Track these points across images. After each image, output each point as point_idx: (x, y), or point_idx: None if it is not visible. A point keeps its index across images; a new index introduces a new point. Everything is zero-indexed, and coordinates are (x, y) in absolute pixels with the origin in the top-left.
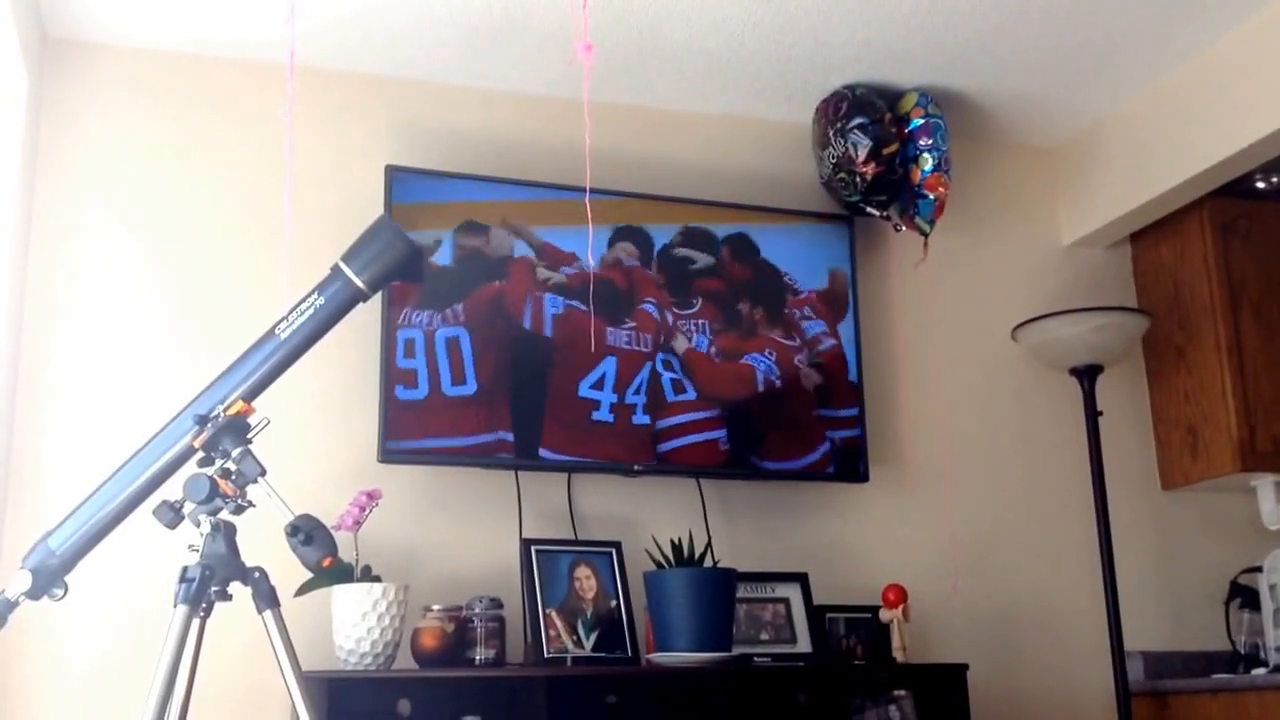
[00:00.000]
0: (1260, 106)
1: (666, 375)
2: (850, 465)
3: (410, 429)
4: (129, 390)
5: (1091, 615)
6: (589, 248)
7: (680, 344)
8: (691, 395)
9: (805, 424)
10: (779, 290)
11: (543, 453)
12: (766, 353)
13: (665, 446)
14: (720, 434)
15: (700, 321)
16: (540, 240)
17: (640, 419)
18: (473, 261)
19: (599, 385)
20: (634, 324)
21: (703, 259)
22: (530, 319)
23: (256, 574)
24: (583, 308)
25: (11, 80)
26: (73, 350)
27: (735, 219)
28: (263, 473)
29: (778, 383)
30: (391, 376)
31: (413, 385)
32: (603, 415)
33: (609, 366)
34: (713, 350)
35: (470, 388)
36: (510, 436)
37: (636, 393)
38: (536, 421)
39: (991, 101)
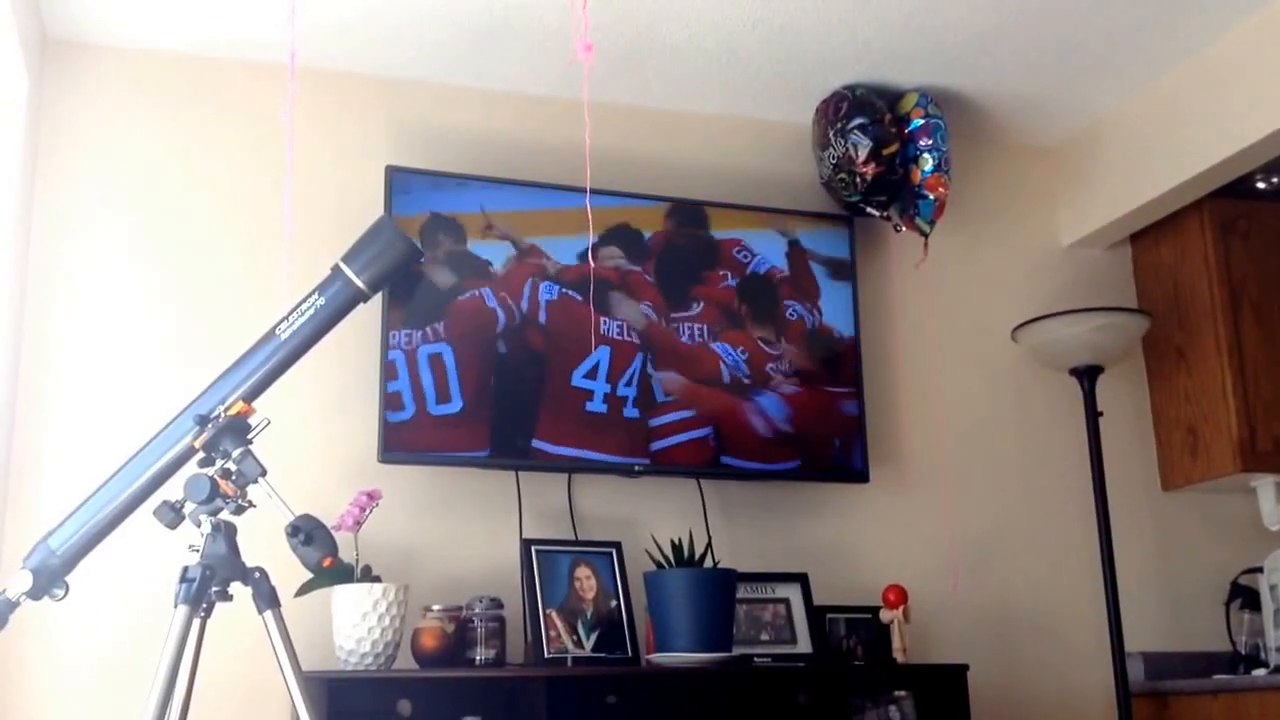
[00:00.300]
0: (1260, 107)
1: (658, 375)
2: (850, 465)
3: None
4: (129, 391)
5: (1092, 616)
6: (589, 246)
7: (639, 320)
8: (677, 396)
9: (794, 424)
10: (774, 291)
11: (537, 444)
12: (739, 350)
13: (657, 445)
14: (707, 431)
15: (699, 326)
16: (529, 243)
17: (630, 412)
18: (456, 267)
19: (592, 374)
20: (622, 318)
21: (700, 259)
22: (528, 303)
23: (257, 574)
24: (579, 297)
25: (11, 81)
26: (73, 351)
27: (734, 220)
28: (263, 473)
29: (745, 379)
30: (387, 387)
31: (398, 408)
32: (596, 406)
33: (602, 355)
34: (690, 340)
35: (456, 405)
36: (485, 454)
37: (628, 384)
38: (531, 413)
39: (991, 101)
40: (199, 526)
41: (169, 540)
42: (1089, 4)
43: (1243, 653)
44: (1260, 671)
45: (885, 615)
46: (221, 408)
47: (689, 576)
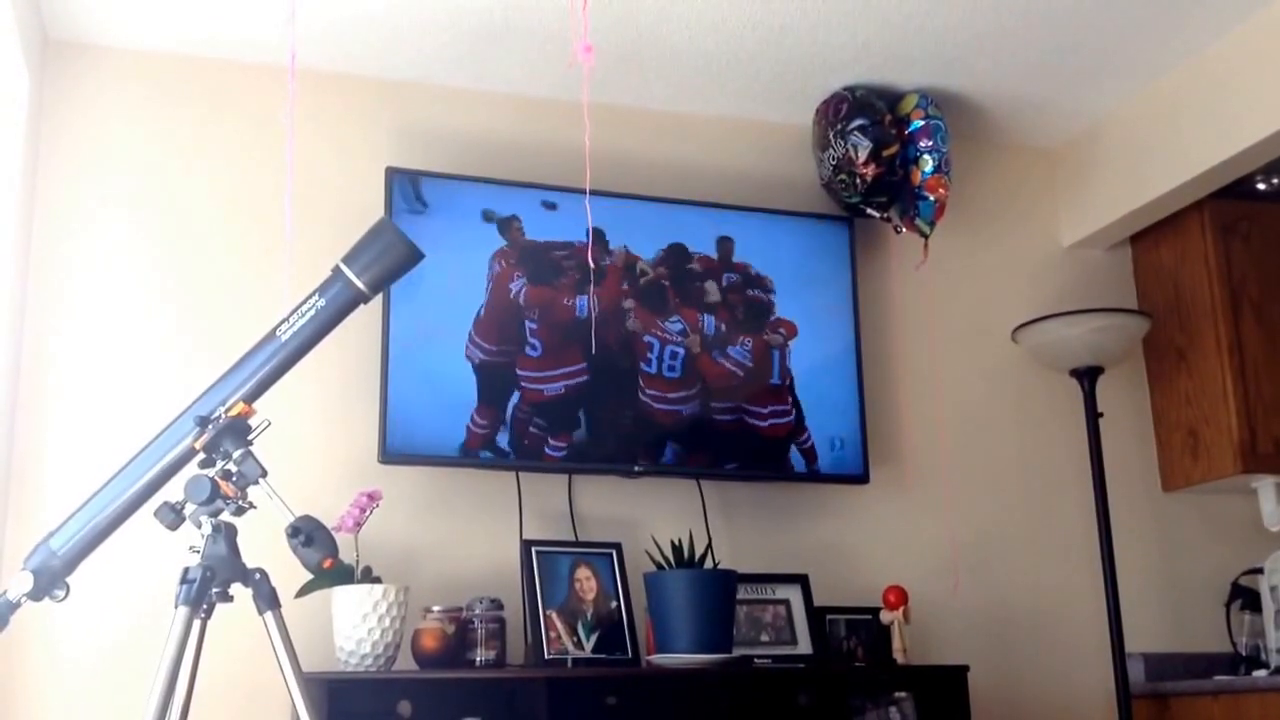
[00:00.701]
0: (1260, 108)
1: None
2: (846, 466)
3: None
4: (130, 392)
5: (1092, 617)
6: (589, 247)
7: (635, 324)
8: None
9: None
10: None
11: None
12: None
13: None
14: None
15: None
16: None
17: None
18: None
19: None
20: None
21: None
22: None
23: (257, 575)
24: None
25: (12, 81)
26: (74, 352)
27: (734, 221)
28: (264, 474)
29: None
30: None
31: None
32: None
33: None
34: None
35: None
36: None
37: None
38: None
39: (991, 102)
40: (199, 527)
41: (169, 541)
42: (1089, 5)
43: (1243, 654)
44: (1261, 673)
45: (885, 616)
46: (222, 409)
47: (689, 577)
